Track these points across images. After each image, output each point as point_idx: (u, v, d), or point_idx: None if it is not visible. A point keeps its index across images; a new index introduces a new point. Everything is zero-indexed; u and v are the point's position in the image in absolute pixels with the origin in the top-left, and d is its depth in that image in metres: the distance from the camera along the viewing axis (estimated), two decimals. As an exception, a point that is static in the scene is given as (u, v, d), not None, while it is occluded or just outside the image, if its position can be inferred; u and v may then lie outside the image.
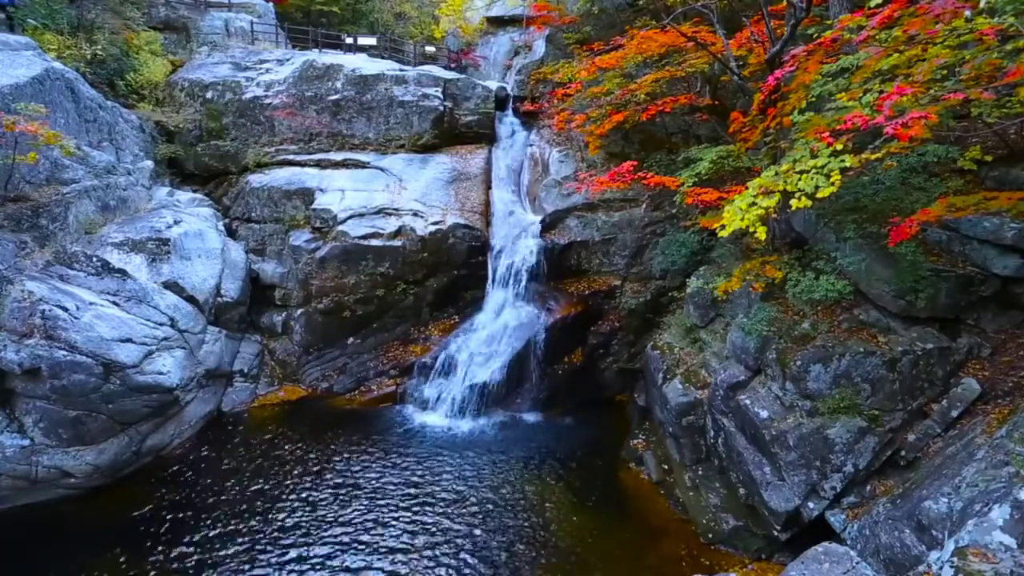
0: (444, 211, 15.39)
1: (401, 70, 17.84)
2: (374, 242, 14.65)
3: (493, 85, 18.95)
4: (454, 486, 10.98)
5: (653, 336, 13.47)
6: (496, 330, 14.42)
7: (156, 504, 10.31)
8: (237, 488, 10.75)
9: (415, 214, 15.20)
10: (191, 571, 8.82)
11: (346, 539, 9.52)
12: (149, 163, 15.48)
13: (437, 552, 9.30)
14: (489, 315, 14.97)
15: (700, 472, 10.69)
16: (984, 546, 5.72)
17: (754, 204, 7.50)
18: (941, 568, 5.79)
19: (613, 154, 15.51)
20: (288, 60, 18.45)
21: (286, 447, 12.08)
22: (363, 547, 9.36)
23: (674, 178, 11.30)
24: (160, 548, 9.25)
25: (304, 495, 10.57)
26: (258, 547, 9.30)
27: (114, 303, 11.44)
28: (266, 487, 10.79)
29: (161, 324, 11.79)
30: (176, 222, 13.73)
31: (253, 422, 13.21)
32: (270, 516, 10.02)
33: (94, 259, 11.72)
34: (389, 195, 15.71)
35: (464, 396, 13.60)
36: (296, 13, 24.76)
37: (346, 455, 11.85)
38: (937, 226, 8.84)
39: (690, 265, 12.91)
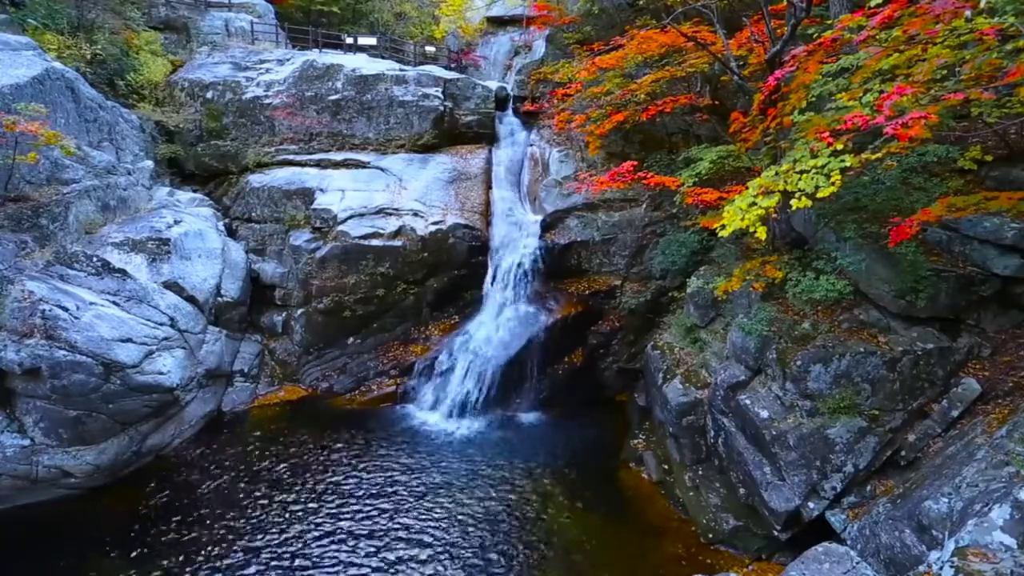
0: (444, 211, 15.40)
1: (401, 70, 17.85)
2: (374, 242, 14.65)
3: (493, 85, 18.96)
4: (454, 486, 10.97)
5: (653, 336, 13.47)
6: (496, 330, 14.41)
7: (156, 504, 10.31)
8: (237, 488, 10.75)
9: (415, 214, 15.20)
10: (191, 571, 8.82)
11: (346, 539, 9.51)
12: (149, 163, 15.49)
13: (437, 552, 9.30)
14: (489, 315, 14.97)
15: (700, 472, 10.69)
16: (984, 546, 5.72)
17: (754, 204, 7.51)
18: (941, 568, 5.79)
19: (613, 154, 15.52)
20: (288, 60, 18.47)
21: (286, 447, 12.08)
22: (363, 547, 9.35)
23: (674, 178, 11.30)
24: (160, 548, 9.24)
25: (304, 495, 10.57)
26: (258, 547, 9.29)
27: (114, 303, 11.44)
28: (266, 487, 10.79)
29: (161, 324, 11.80)
30: (176, 222, 13.73)
31: (253, 422, 13.21)
32: (270, 516, 10.01)
33: (94, 259, 11.72)
34: (389, 195, 15.71)
35: (464, 396, 13.60)
36: (296, 13, 24.76)
37: (346, 455, 11.84)
38: (937, 226, 8.85)
39: (690, 265, 12.92)
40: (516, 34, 24.40)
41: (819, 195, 6.98)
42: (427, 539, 9.57)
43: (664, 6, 15.01)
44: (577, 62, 17.92)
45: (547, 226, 15.24)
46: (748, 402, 9.52)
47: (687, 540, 9.91)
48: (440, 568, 8.99)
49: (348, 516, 10.04)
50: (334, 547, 9.33)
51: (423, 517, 10.08)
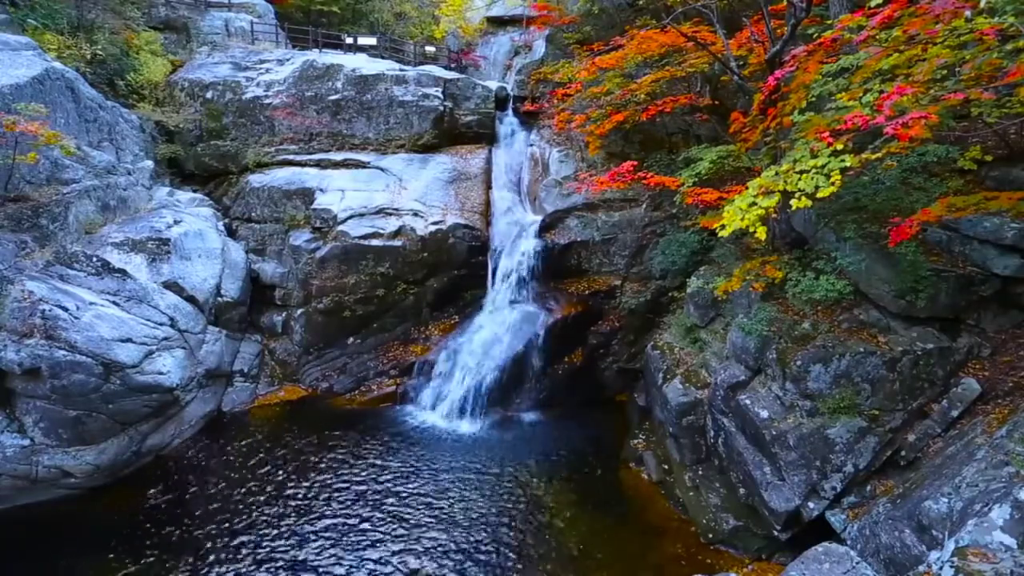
0: (444, 211, 15.40)
1: (401, 70, 17.85)
2: (374, 242, 14.65)
3: (493, 85, 18.96)
4: (454, 486, 10.97)
5: (653, 336, 13.47)
6: (496, 330, 14.42)
7: (156, 504, 10.31)
8: (237, 488, 10.75)
9: (415, 214, 15.20)
10: (191, 571, 8.82)
11: (345, 540, 9.51)
12: (149, 163, 15.48)
13: (436, 551, 9.30)
14: (489, 315, 14.97)
15: (700, 472, 10.69)
16: (984, 546, 5.72)
17: (754, 204, 7.51)
18: (941, 568, 5.79)
19: (613, 154, 15.52)
20: (288, 60, 18.47)
21: (286, 447, 12.08)
22: (363, 547, 9.35)
23: (674, 178, 11.31)
24: (160, 548, 9.24)
25: (304, 495, 10.57)
26: (257, 547, 9.29)
27: (114, 303, 11.44)
28: (266, 487, 10.79)
29: (161, 324, 11.80)
30: (176, 222, 13.73)
31: (253, 422, 13.21)
32: (269, 516, 10.01)
33: (94, 259, 11.72)
34: (389, 195, 15.72)
35: (464, 396, 13.60)
36: (296, 13, 24.76)
37: (346, 456, 11.84)
38: (937, 226, 8.85)
39: (690, 265, 12.92)
40: (516, 34, 24.41)
41: (819, 195, 6.97)
42: (426, 538, 9.57)
43: (664, 6, 15.00)
44: (577, 62, 17.91)
45: (547, 226, 15.24)
46: (748, 402, 9.52)
47: (687, 540, 9.91)
48: (439, 567, 8.98)
49: (347, 516, 10.04)
50: (334, 547, 9.33)
51: (422, 516, 10.08)
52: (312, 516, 10.02)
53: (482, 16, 26.27)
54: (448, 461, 11.82)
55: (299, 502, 10.37)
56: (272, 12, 23.35)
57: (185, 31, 19.68)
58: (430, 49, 24.86)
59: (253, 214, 16.21)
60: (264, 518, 9.96)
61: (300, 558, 9.08)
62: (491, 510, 10.35)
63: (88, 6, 16.47)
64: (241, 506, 10.26)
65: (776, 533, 8.94)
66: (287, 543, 9.40)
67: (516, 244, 15.03)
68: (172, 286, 12.69)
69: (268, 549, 9.26)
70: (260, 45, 20.46)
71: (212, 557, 9.09)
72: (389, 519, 9.99)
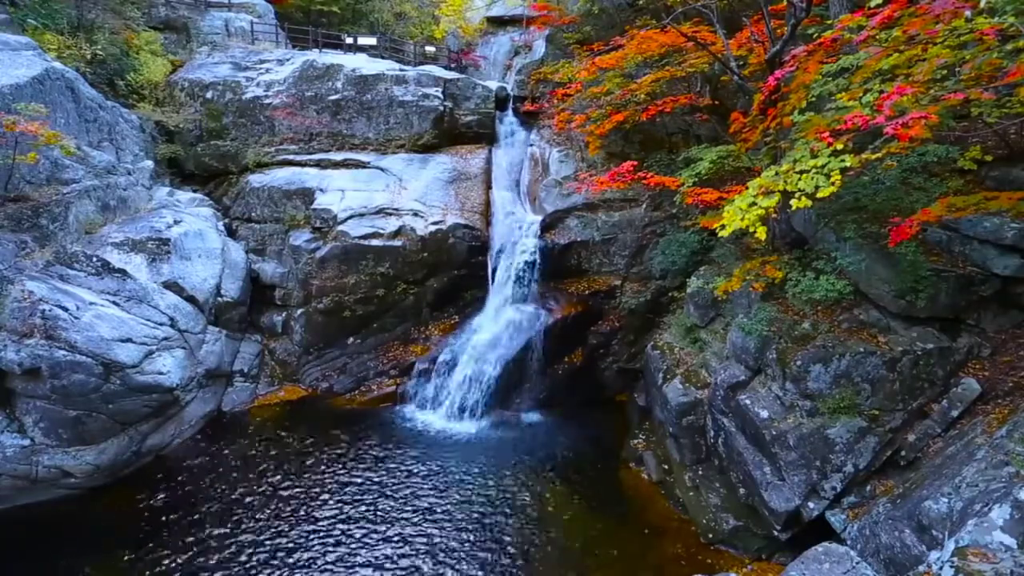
0: (444, 211, 15.40)
1: (401, 70, 17.85)
2: (374, 242, 14.66)
3: (493, 85, 18.96)
4: (454, 486, 10.97)
5: (653, 336, 13.47)
6: (496, 330, 14.43)
7: (156, 504, 10.30)
8: (236, 488, 10.75)
9: (415, 214, 15.20)
10: (191, 571, 8.82)
11: (345, 540, 9.52)
12: (149, 163, 15.48)
13: (436, 551, 9.30)
14: (489, 315, 14.98)
15: (700, 472, 10.69)
16: (984, 546, 5.72)
17: (754, 204, 7.51)
18: (941, 568, 5.79)
19: (613, 154, 15.52)
20: (288, 60, 18.47)
21: (286, 448, 12.08)
22: (362, 547, 9.36)
23: (674, 178, 11.31)
24: (160, 548, 9.24)
25: (303, 496, 10.57)
26: (257, 548, 9.30)
27: (114, 303, 11.44)
28: (265, 488, 10.79)
29: (161, 324, 11.80)
30: (176, 222, 13.73)
31: (253, 422, 13.21)
32: (269, 516, 10.01)
33: (94, 259, 11.72)
34: (389, 195, 15.72)
35: (464, 396, 13.60)
36: (296, 13, 24.75)
37: (346, 456, 11.84)
38: (937, 226, 8.85)
39: (690, 265, 12.92)
40: (516, 34, 24.41)
41: (819, 195, 6.98)
42: (425, 538, 9.58)
43: (664, 6, 15.00)
44: (577, 62, 17.92)
45: (547, 226, 15.24)
46: (748, 402, 9.52)
47: (687, 540, 9.91)
48: (439, 567, 8.98)
49: (347, 516, 10.04)
50: (333, 548, 9.33)
51: (422, 516, 10.08)
52: (312, 516, 10.02)
53: (482, 16, 26.28)
54: (448, 461, 11.81)
55: (298, 502, 10.37)
56: (272, 12, 23.34)
57: (185, 31, 19.68)
58: (430, 49, 24.87)
59: (253, 214, 16.21)
60: (263, 518, 9.96)
61: (300, 558, 9.08)
62: (491, 510, 10.35)
63: (88, 6, 16.47)
64: (241, 506, 10.26)
65: (776, 533, 8.94)
66: (286, 543, 9.39)
67: (516, 244, 15.03)
68: (172, 286, 12.69)
69: (267, 550, 9.26)
70: (260, 45, 20.46)
71: (212, 557, 9.08)
72: (389, 520, 9.99)
